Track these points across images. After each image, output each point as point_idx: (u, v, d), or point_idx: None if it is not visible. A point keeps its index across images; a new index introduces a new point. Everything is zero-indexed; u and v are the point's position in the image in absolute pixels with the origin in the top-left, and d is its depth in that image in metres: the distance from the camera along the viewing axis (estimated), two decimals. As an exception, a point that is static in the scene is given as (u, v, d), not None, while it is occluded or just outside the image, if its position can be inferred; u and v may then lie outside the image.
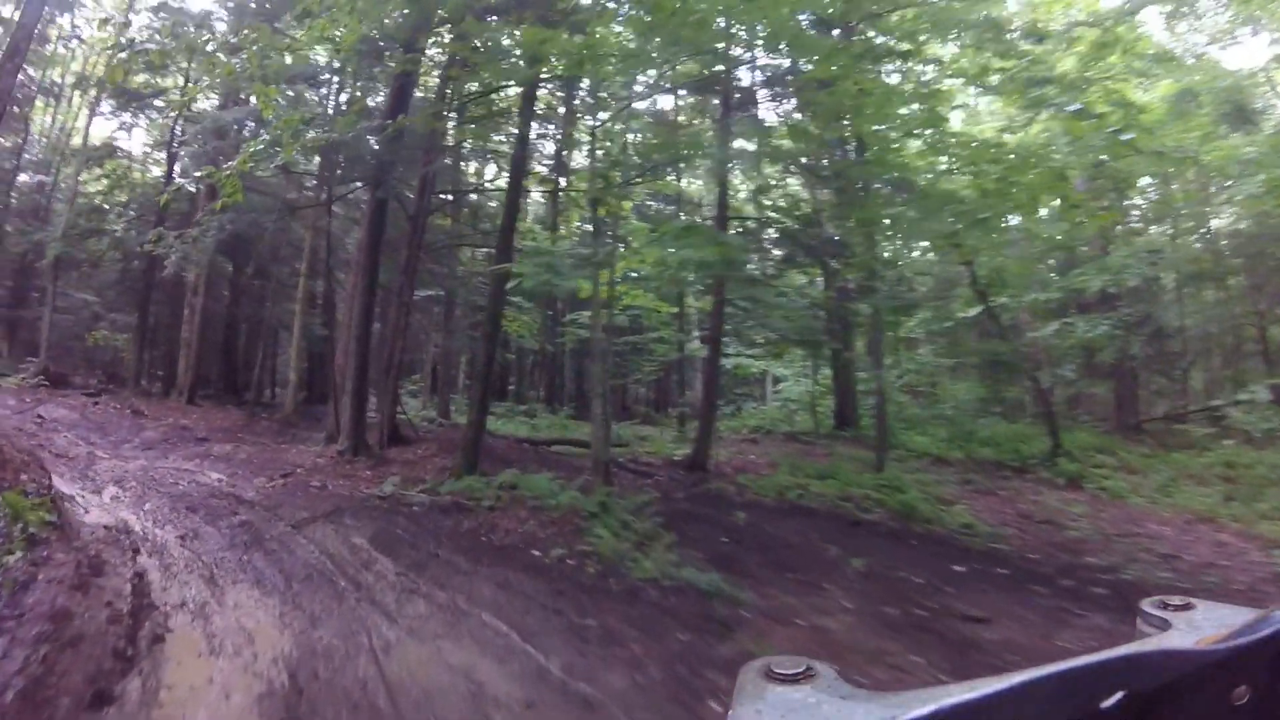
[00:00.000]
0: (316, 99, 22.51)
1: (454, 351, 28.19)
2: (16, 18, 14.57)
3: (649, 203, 26.79)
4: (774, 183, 20.62)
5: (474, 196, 27.24)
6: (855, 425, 21.60)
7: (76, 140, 30.10)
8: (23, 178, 31.89)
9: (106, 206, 29.09)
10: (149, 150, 31.49)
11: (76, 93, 32.42)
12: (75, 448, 14.63)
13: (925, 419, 21.77)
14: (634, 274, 17.36)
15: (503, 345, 25.36)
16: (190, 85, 22.89)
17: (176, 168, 28.27)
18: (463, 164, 25.78)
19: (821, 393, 23.98)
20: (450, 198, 24.12)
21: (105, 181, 29.59)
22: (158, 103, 27.70)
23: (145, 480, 12.24)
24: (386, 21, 13.36)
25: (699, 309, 25.98)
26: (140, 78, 25.43)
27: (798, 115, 16.59)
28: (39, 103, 32.31)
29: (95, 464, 13.38)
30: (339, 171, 18.85)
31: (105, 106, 29.06)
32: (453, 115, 18.43)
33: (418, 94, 17.71)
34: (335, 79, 21.02)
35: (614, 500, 10.49)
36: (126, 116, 29.06)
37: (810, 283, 23.32)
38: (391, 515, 10.55)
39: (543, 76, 14.51)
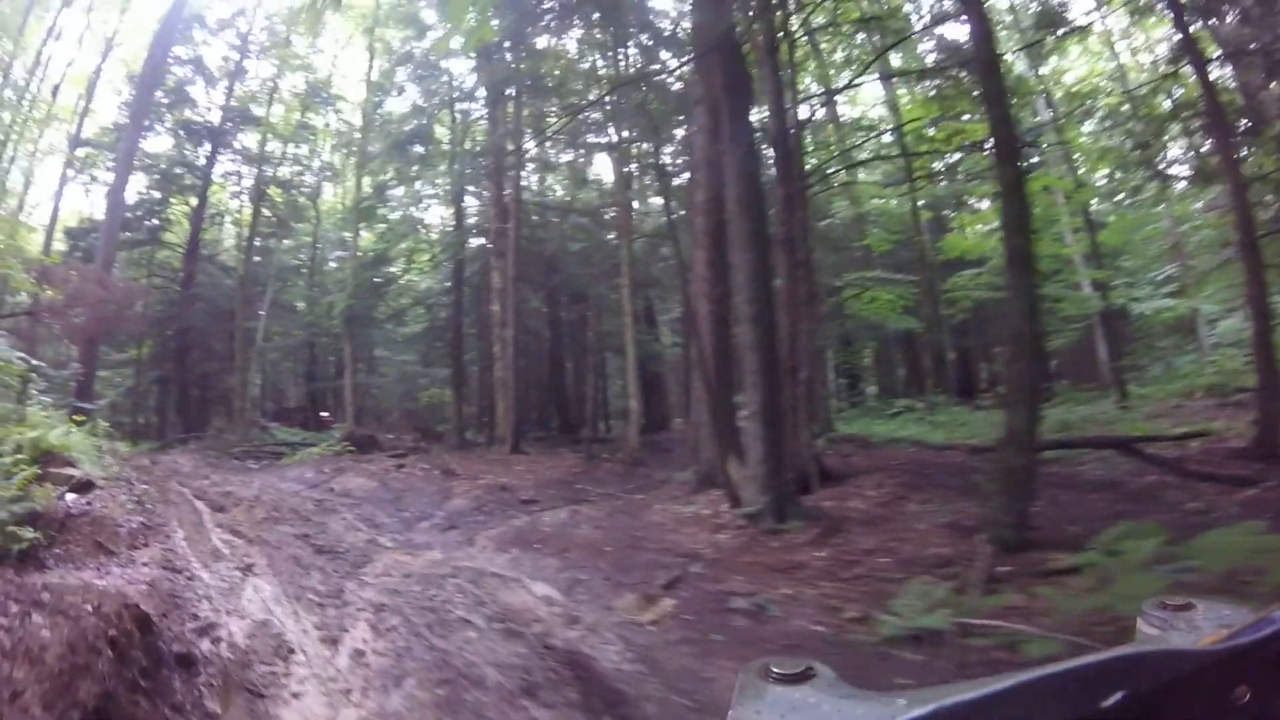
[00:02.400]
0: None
1: (821, 345, 20.95)
2: None
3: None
4: None
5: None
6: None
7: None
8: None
9: (390, 259, 26.66)
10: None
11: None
12: (351, 534, 9.53)
13: None
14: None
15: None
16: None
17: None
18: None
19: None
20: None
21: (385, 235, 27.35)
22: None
23: (427, 607, 6.18)
24: None
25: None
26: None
27: None
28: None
29: (365, 567, 8.05)
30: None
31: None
32: None
33: None
34: None
35: None
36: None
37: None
38: None
39: None
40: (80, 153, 27.58)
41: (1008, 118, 8.35)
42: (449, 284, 26.09)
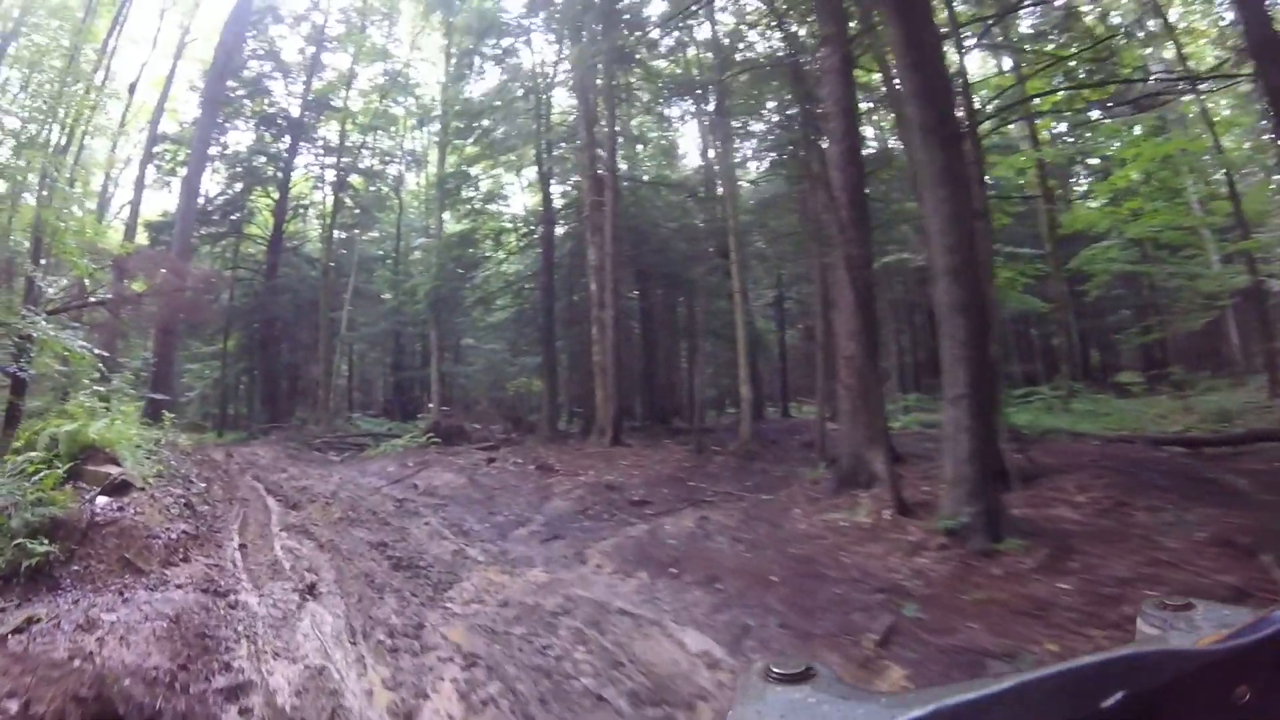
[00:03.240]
0: None
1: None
2: None
3: None
4: None
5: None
6: None
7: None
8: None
9: (475, 239, 25.18)
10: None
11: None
12: (436, 544, 7.83)
13: None
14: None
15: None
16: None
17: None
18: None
19: None
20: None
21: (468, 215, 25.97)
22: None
23: (537, 666, 4.33)
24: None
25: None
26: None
27: None
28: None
29: (452, 589, 6.44)
30: None
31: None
32: None
33: None
34: None
35: None
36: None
37: None
38: None
39: None
40: (159, 149, 27.22)
41: None
42: (537, 269, 24.54)
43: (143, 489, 7.48)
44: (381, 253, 34.44)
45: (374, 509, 10.05)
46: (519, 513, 9.49)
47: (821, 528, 8.35)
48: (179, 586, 5.98)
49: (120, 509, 6.80)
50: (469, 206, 25.98)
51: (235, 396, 30.44)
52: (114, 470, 7.59)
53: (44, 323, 11.11)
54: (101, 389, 13.02)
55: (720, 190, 23.22)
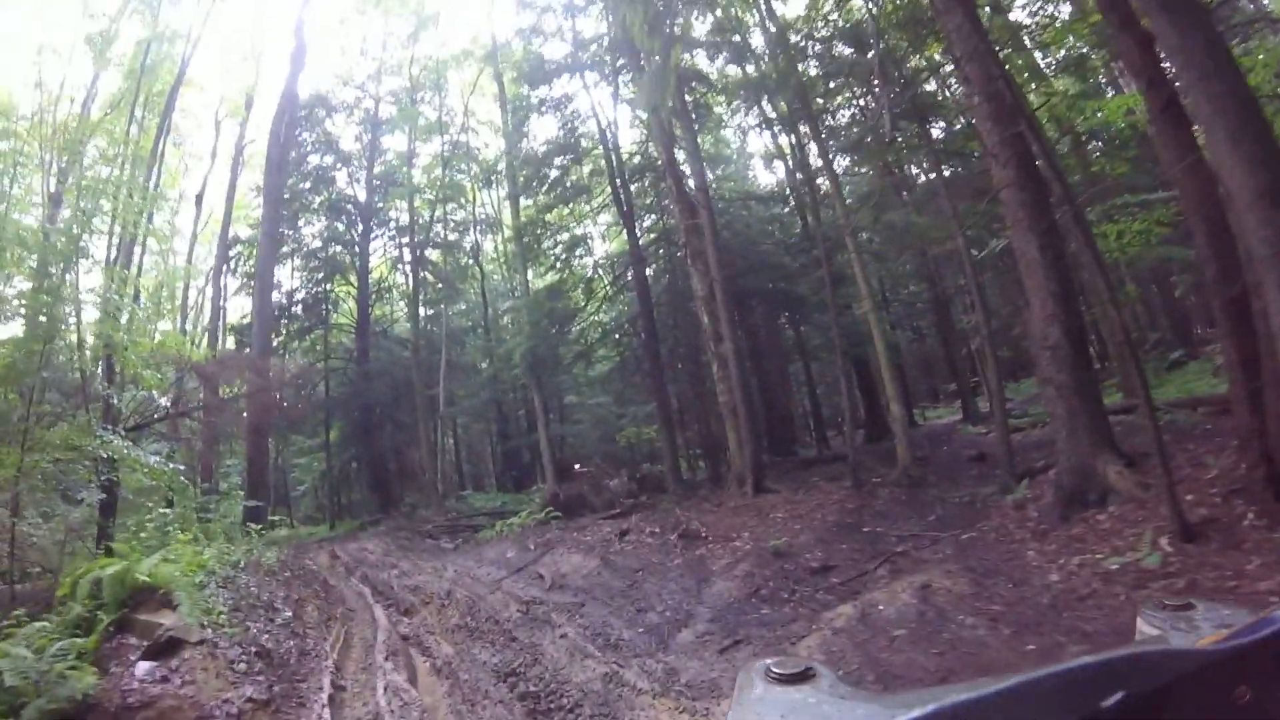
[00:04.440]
0: None
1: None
2: None
3: None
4: None
5: None
6: None
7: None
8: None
9: (564, 290, 23.65)
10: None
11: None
12: (578, 665, 5.86)
13: None
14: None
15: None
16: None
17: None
18: None
19: None
20: None
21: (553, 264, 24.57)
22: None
23: None
24: None
25: None
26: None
27: None
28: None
29: None
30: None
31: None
32: None
33: None
34: None
35: None
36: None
37: None
38: None
39: None
40: (232, 253, 27.33)
41: None
42: (634, 314, 22.87)
43: (201, 642, 5.78)
44: (470, 323, 33.79)
45: (495, 614, 8.14)
46: (675, 605, 7.36)
47: (1089, 578, 5.93)
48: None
49: (165, 678, 5.09)
50: (552, 257, 24.52)
51: (346, 486, 29.86)
52: (167, 620, 5.95)
53: (118, 440, 10.03)
54: (191, 503, 11.98)
55: (803, 194, 21.22)
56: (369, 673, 6.90)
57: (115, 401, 12.73)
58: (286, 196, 27.25)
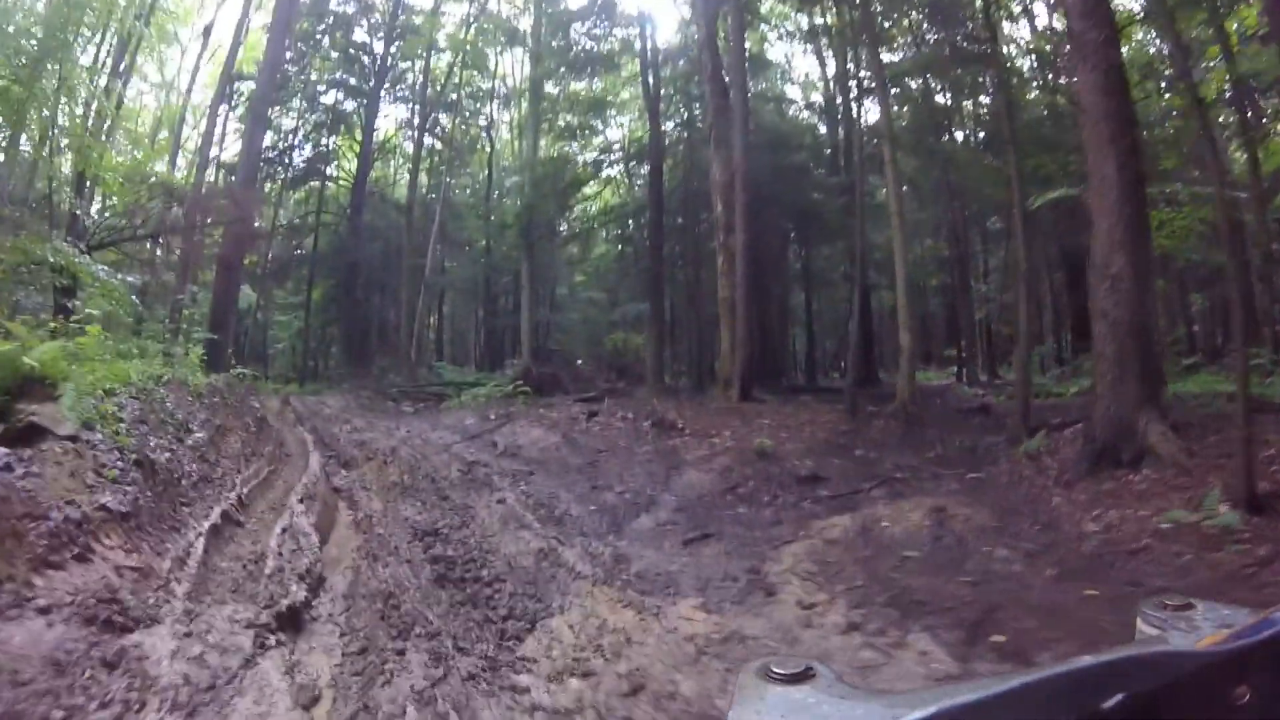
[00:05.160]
0: None
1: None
2: None
3: None
4: None
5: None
6: None
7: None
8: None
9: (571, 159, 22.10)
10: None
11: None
12: (512, 535, 4.92)
13: None
14: None
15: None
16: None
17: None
18: None
19: None
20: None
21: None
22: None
23: None
24: None
25: None
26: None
27: None
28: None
29: (534, 636, 3.03)
30: None
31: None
32: None
33: None
34: None
35: None
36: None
37: None
38: None
39: None
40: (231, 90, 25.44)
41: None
42: (641, 207, 21.49)
43: (71, 438, 4.82)
44: (472, 199, 32.33)
45: (435, 473, 7.25)
46: (638, 489, 6.42)
47: (1136, 533, 4.99)
48: (44, 611, 3.24)
49: (6, 465, 4.13)
50: (564, 124, 22.84)
51: (324, 349, 28.94)
52: (45, 410, 4.97)
53: (69, 249, 9.13)
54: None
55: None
56: (276, 514, 6.01)
57: (78, 213, 11.65)
58: (298, 40, 25.43)
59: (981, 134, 21.78)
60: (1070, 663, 0.63)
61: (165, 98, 27.74)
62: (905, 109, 21.09)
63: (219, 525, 5.06)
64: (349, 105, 28.59)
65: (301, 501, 6.30)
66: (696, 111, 22.38)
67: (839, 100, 24.25)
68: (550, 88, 23.81)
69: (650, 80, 20.64)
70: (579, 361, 21.24)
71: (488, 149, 31.74)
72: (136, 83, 25.24)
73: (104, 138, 13.12)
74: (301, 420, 12.64)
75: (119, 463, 4.98)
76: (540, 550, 4.67)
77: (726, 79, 16.19)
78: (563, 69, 22.19)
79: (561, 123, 22.97)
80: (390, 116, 30.42)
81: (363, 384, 18.82)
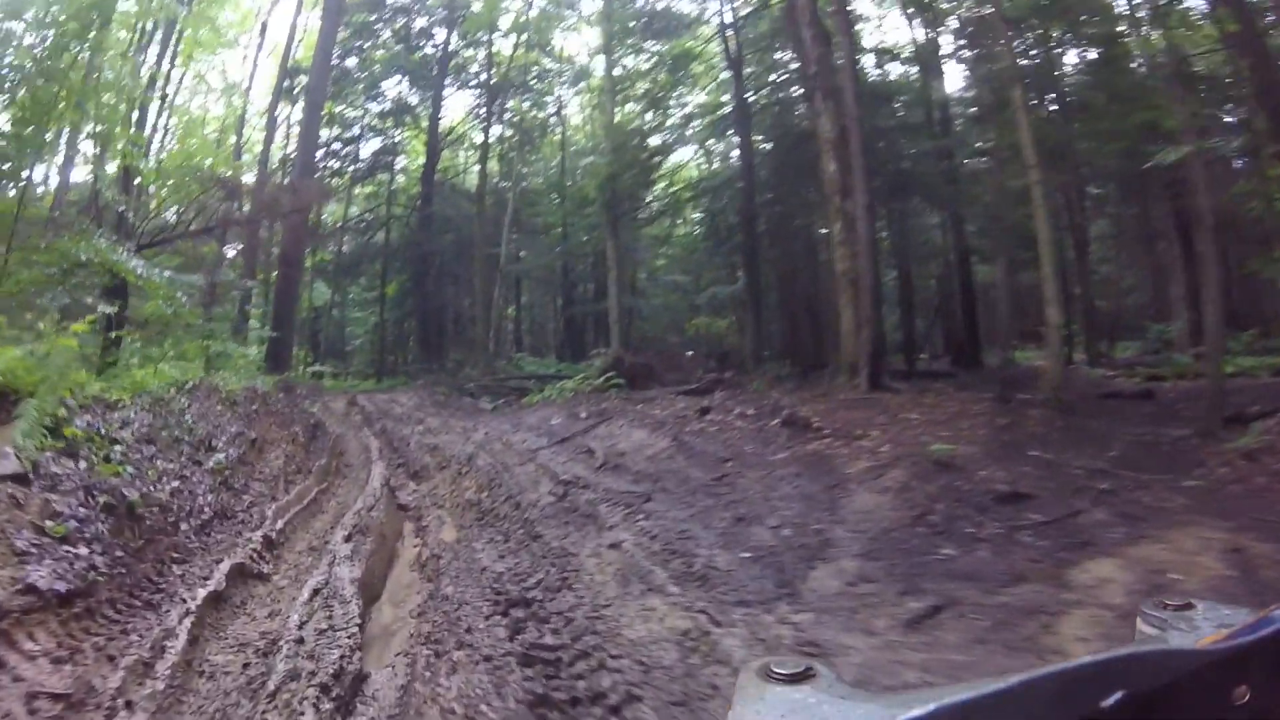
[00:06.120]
0: None
1: None
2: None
3: None
4: None
5: None
6: None
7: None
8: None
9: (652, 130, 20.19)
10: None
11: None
12: (641, 610, 3.08)
13: None
14: None
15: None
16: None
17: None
18: None
19: None
20: None
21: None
22: None
23: None
24: None
25: None
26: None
27: None
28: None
29: None
30: None
31: None
32: None
33: None
34: None
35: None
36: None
37: None
38: None
39: None
40: (290, 83, 24.67)
41: None
42: (729, 176, 19.55)
43: (18, 477, 3.40)
44: (544, 184, 31.09)
45: (520, 493, 5.67)
46: (798, 520, 4.60)
47: None
48: None
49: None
50: (643, 89, 21.02)
51: (400, 343, 28.18)
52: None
53: (106, 245, 8.12)
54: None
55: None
56: (315, 558, 4.53)
57: (124, 211, 10.66)
58: (353, 33, 24.55)
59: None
60: (1070, 662, 0.60)
61: (229, 102, 27.27)
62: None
63: (222, 592, 3.57)
64: (413, 97, 27.57)
65: (349, 539, 4.81)
66: (782, 77, 20.36)
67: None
68: (623, 57, 22.07)
69: (730, 43, 18.74)
70: (686, 351, 19.45)
71: (558, 133, 30.37)
72: (198, 88, 25.13)
73: (149, 130, 12.04)
74: (369, 421, 11.37)
75: (81, 509, 3.54)
76: (685, 635, 3.00)
77: (826, 25, 14.22)
78: (635, 29, 20.34)
79: (640, 88, 21.16)
80: (456, 104, 29.17)
81: (438, 378, 17.60)
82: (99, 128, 10.43)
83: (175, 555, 3.85)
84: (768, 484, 5.83)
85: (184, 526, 4.12)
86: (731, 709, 0.67)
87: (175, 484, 4.53)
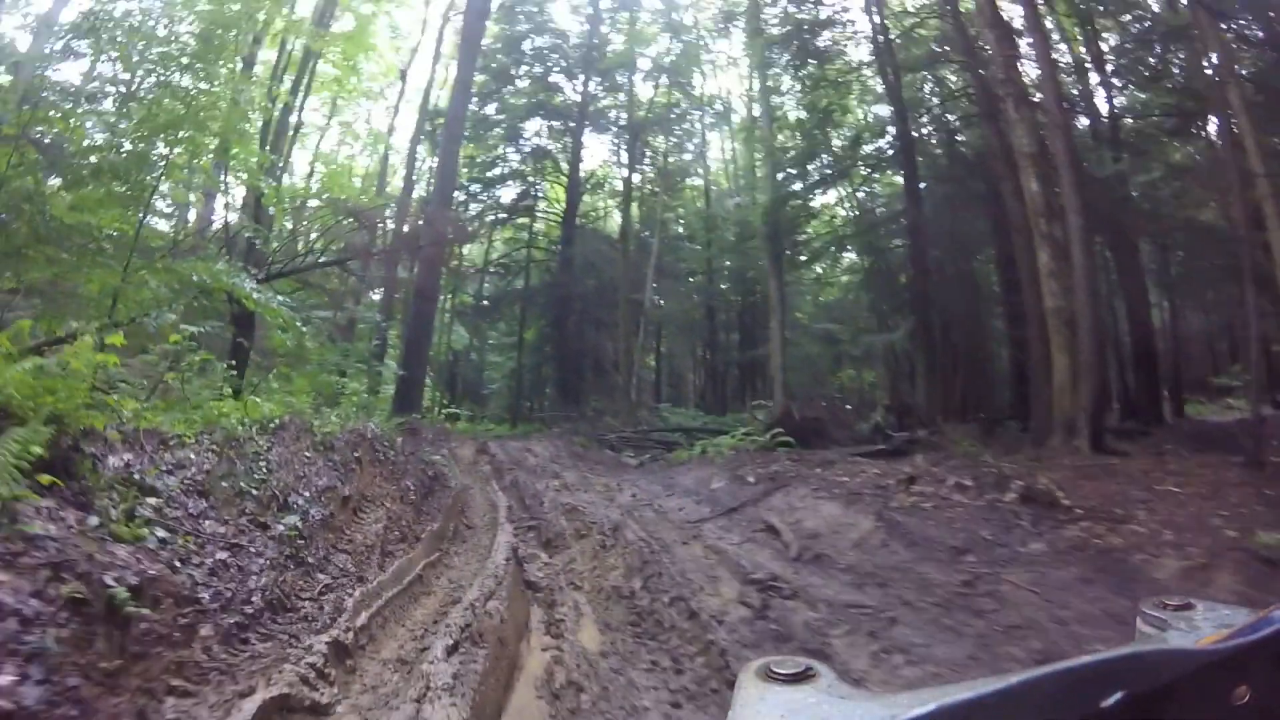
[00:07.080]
0: None
1: None
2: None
3: None
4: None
5: None
6: None
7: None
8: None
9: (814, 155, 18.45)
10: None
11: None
12: None
13: None
14: None
15: None
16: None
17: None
18: None
19: None
20: None
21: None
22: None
23: None
24: None
25: None
26: None
27: None
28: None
29: None
30: None
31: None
32: None
33: None
34: None
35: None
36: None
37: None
38: None
39: None
40: (430, 125, 24.97)
41: None
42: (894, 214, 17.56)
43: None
44: (685, 232, 30.16)
45: (691, 594, 4.06)
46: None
47: None
48: None
49: None
50: (797, 118, 19.45)
51: (537, 388, 27.56)
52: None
53: (226, 269, 7.59)
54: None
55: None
56: (403, 679, 3.07)
57: (253, 239, 10.27)
58: (491, 77, 24.77)
59: None
60: (1070, 662, 0.60)
61: (374, 148, 28.06)
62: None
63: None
64: (552, 143, 27.46)
65: (454, 649, 3.34)
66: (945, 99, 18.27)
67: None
68: (777, 83, 20.66)
69: (886, 66, 17.00)
70: (845, 405, 17.33)
71: (700, 173, 29.47)
72: (344, 137, 26.07)
73: (280, 157, 11.84)
74: (499, 473, 10.13)
75: (32, 600, 2.23)
76: None
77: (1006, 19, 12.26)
78: (789, 48, 18.86)
79: (794, 116, 19.61)
80: (597, 147, 28.97)
81: (576, 426, 16.38)
82: (229, 149, 10.01)
83: (179, 680, 2.48)
84: (1045, 594, 3.93)
85: (206, 630, 2.77)
86: (732, 709, 0.66)
87: (221, 556, 3.24)
